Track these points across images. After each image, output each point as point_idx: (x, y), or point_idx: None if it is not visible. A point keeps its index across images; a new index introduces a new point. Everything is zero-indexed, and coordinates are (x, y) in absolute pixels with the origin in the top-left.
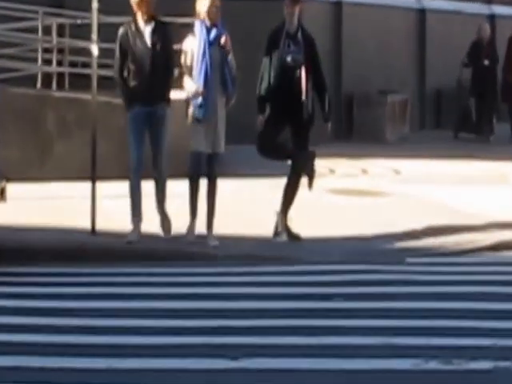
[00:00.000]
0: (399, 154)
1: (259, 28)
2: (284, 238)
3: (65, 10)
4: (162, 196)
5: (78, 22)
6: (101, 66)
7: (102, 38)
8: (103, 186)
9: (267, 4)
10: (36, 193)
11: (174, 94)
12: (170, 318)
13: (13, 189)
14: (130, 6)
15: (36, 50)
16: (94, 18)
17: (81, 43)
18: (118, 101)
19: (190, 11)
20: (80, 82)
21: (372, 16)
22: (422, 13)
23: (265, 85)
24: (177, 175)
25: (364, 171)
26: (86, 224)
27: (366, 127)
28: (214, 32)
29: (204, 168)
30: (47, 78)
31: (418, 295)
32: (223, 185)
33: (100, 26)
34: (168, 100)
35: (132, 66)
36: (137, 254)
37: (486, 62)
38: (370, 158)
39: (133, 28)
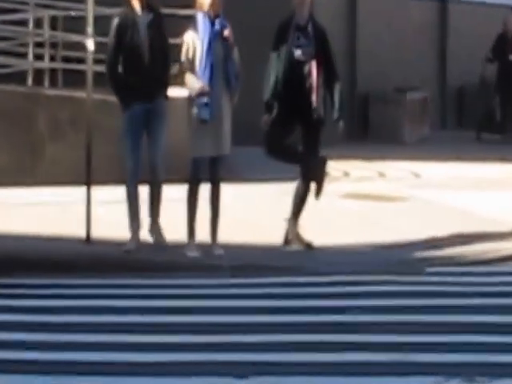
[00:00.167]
0: (418, 156)
1: (265, 20)
2: (295, 246)
3: (58, 1)
4: (157, 202)
5: (72, 14)
6: (97, 61)
7: (98, 31)
8: (99, 191)
9: None
10: (26, 199)
11: (173, 92)
12: (171, 333)
13: (1, 194)
14: None
15: (27, 45)
16: (90, 9)
17: (75, 37)
18: (115, 99)
19: (190, 2)
20: (74, 78)
21: (389, 7)
22: (443, 3)
23: (272, 81)
24: (176, 180)
25: (381, 174)
26: (80, 232)
27: (383, 127)
28: (217, 25)
29: (205, 172)
30: (39, 75)
31: (438, 308)
32: (228, 189)
33: (96, 18)
34: (166, 96)
35: (128, 60)
36: (135, 265)
37: None
38: (387, 161)
39: (129, 18)
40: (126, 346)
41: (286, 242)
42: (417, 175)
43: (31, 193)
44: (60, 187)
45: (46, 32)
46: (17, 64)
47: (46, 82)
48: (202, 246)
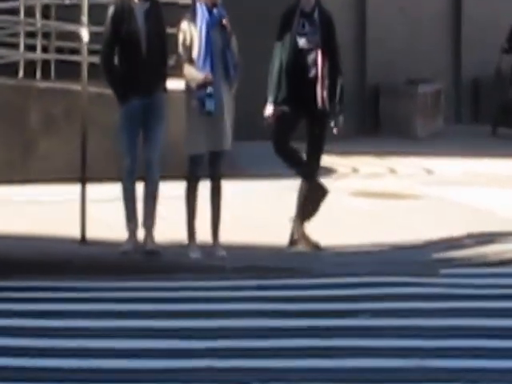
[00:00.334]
0: (431, 152)
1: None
2: (301, 247)
3: None
4: (152, 202)
5: (66, 1)
6: (92, 52)
7: (93, 20)
8: (94, 189)
9: None
10: (17, 197)
11: (171, 84)
12: (170, 338)
13: None
14: None
15: (17, 35)
16: None
17: (69, 26)
18: (112, 92)
19: None
20: (68, 70)
21: None
22: None
23: (276, 70)
24: (175, 176)
25: (391, 171)
26: (74, 232)
27: (394, 121)
28: (215, 14)
29: (205, 169)
30: (30, 67)
31: (454, 311)
32: (231, 186)
33: (90, 6)
34: (165, 89)
35: (124, 52)
36: (133, 266)
37: None
38: (399, 156)
39: (125, 6)
40: (122, 352)
41: (292, 242)
42: (429, 172)
43: (23, 191)
44: (53, 185)
45: (38, 21)
46: (7, 55)
47: (38, 74)
48: (204, 247)
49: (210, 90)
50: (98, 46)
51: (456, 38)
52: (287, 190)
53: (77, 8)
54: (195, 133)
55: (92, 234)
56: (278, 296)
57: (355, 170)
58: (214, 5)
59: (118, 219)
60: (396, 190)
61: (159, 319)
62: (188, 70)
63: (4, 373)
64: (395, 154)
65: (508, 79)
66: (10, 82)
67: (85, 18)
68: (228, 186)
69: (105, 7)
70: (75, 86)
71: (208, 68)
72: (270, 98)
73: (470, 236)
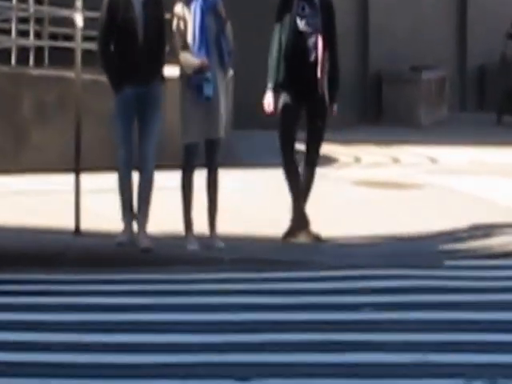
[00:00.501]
0: (435, 140)
1: None
2: (301, 238)
3: None
4: (146, 195)
5: None
6: (86, 38)
7: (88, 5)
8: (89, 179)
9: None
10: (10, 187)
11: (166, 71)
12: (167, 332)
13: None
14: None
15: (10, 20)
16: None
17: (63, 12)
18: (106, 79)
19: None
20: (62, 57)
21: None
22: None
23: (275, 53)
24: (170, 166)
25: (394, 160)
26: (69, 223)
27: (397, 109)
28: None
29: (201, 158)
30: (23, 53)
31: (458, 304)
32: (229, 176)
33: None
34: (163, 77)
35: (121, 38)
36: (129, 259)
37: None
38: (402, 145)
39: None
40: (118, 347)
41: (292, 233)
42: (433, 160)
43: (15, 181)
44: (47, 175)
45: (31, 6)
46: None
47: (31, 61)
48: (202, 239)
49: (208, 75)
50: (92, 32)
51: (461, 24)
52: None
53: None
54: (190, 121)
55: (87, 225)
56: (277, 289)
57: (357, 160)
58: None
59: (113, 210)
60: (399, 180)
61: (155, 312)
62: (183, 55)
63: (3, 367)
64: (398, 142)
65: None
66: (2, 69)
67: (79, 3)
68: (227, 176)
69: None
70: (69, 73)
71: (203, 54)
72: (270, 84)
73: (474, 227)
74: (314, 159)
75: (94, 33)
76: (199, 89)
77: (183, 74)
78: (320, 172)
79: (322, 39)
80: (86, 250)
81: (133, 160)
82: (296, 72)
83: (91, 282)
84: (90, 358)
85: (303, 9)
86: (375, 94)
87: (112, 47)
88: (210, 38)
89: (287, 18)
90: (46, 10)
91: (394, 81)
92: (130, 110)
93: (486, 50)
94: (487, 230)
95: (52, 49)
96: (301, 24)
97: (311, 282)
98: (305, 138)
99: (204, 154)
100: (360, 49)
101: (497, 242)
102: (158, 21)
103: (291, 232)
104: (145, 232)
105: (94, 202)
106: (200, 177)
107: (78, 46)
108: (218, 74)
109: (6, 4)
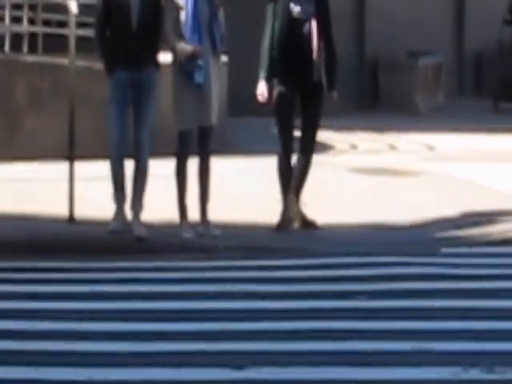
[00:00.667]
0: (433, 127)
1: None
2: (296, 225)
3: None
4: (141, 183)
5: None
6: (80, 24)
7: None
8: (83, 167)
9: None
10: (3, 175)
11: (161, 58)
12: (162, 321)
13: None
14: None
15: (3, 7)
16: None
17: None
18: (101, 66)
19: None
20: (56, 43)
21: None
22: None
23: (267, 42)
24: (164, 153)
25: (391, 147)
26: (62, 211)
27: (394, 95)
28: None
29: (194, 145)
30: (16, 40)
31: (455, 292)
32: (225, 164)
33: None
34: (157, 63)
35: (116, 23)
36: (123, 246)
37: None
38: (399, 132)
39: None
40: (113, 335)
41: (287, 220)
42: (430, 148)
43: (8, 169)
44: (40, 162)
45: None
46: None
47: (25, 48)
48: (197, 227)
49: (200, 62)
50: (86, 19)
51: (459, 9)
52: None
53: None
54: (183, 107)
55: (81, 212)
56: (272, 277)
57: (354, 147)
58: None
59: (107, 198)
60: (396, 167)
61: (149, 301)
62: (176, 42)
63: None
64: (395, 129)
65: (509, 52)
66: None
67: None
68: (223, 164)
69: None
70: (63, 60)
71: (196, 40)
72: (263, 74)
73: (471, 214)
74: (310, 147)
75: (88, 19)
76: (190, 75)
77: (175, 60)
78: (316, 159)
79: (316, 26)
80: (80, 237)
81: (126, 146)
82: (290, 60)
83: (85, 270)
84: (85, 347)
85: None
86: (372, 81)
87: (108, 32)
88: (203, 24)
89: (280, 5)
90: None
91: (391, 67)
92: (124, 95)
93: (484, 36)
94: (485, 217)
95: (46, 35)
96: (295, 10)
97: (307, 269)
98: (300, 125)
99: (197, 142)
100: (356, 35)
101: (495, 229)
102: (154, 7)
103: (283, 224)
104: (139, 220)
105: (88, 190)
106: (194, 164)
107: (72, 32)
108: (211, 60)
109: None
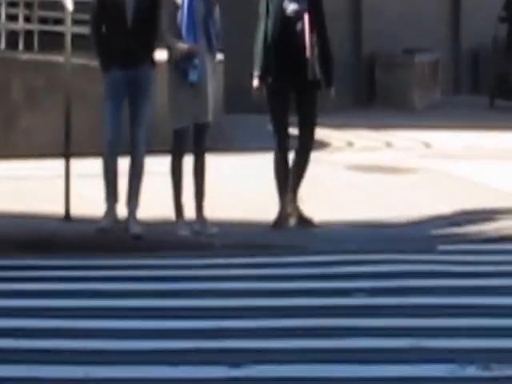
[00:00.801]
0: (429, 124)
1: None
2: (293, 222)
3: None
4: (137, 181)
5: None
6: (76, 22)
7: None
8: (79, 164)
9: None
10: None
11: (157, 56)
12: (158, 318)
13: None
14: None
15: None
16: None
17: None
18: (97, 63)
19: None
20: (51, 41)
21: None
22: None
23: (261, 40)
24: (160, 151)
25: (387, 144)
26: (58, 209)
27: (390, 92)
28: None
29: (190, 143)
30: (12, 37)
31: (451, 289)
32: (221, 161)
33: None
34: (153, 61)
35: (111, 19)
36: (119, 244)
37: None
38: (395, 129)
39: None
40: (109, 333)
41: (284, 218)
42: (427, 145)
43: (4, 166)
44: (36, 160)
45: None
46: None
47: (21, 46)
48: (194, 224)
49: (196, 61)
50: (82, 16)
51: (455, 7)
52: None
53: None
54: (179, 106)
55: (77, 210)
56: (269, 274)
57: (350, 144)
58: None
59: (103, 195)
60: (393, 164)
61: (146, 298)
62: (171, 40)
63: None
64: (391, 126)
65: (504, 49)
66: None
67: None
68: (219, 161)
69: None
70: (58, 58)
71: (191, 38)
72: (257, 72)
73: (468, 211)
74: (308, 145)
75: (84, 16)
76: (185, 73)
77: (171, 59)
78: (312, 156)
79: (310, 23)
80: (76, 235)
81: (119, 144)
82: (284, 57)
83: (81, 268)
84: (81, 344)
85: None
86: (368, 78)
87: (103, 29)
88: (198, 22)
89: (274, 3)
90: None
91: (388, 64)
92: (119, 93)
93: (480, 33)
94: (481, 214)
95: (41, 33)
96: (289, 8)
97: (303, 267)
98: (297, 124)
99: (192, 139)
100: (353, 31)
101: (491, 226)
102: (151, 5)
103: (279, 222)
104: (135, 218)
105: (84, 187)
106: (190, 162)
107: (68, 29)
108: (206, 58)
109: None
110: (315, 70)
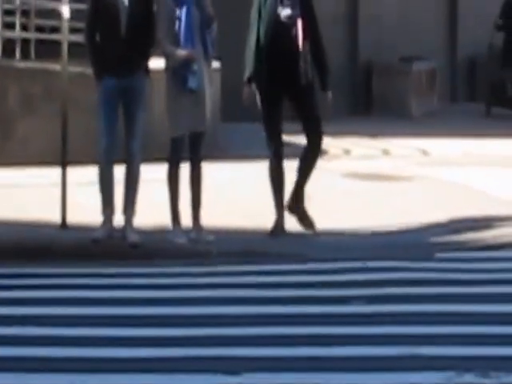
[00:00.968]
0: (426, 132)
1: None
2: (295, 218)
3: None
4: (133, 190)
5: None
6: (73, 30)
7: None
8: (75, 172)
9: None
10: None
11: (152, 63)
12: (155, 326)
13: None
14: None
15: None
16: None
17: (49, 3)
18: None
19: None
20: (48, 49)
21: None
22: None
23: (253, 46)
24: (157, 158)
25: (385, 152)
26: (55, 217)
27: (387, 100)
28: None
29: (186, 151)
30: (9, 46)
31: (449, 297)
32: (217, 169)
33: None
34: (147, 70)
35: (105, 28)
36: (115, 252)
37: None
38: (392, 137)
39: None
40: (105, 341)
41: (281, 225)
42: (424, 152)
43: (0, 174)
44: (33, 168)
45: None
46: None
47: (17, 54)
48: (190, 232)
49: (195, 66)
50: (79, 24)
51: (452, 15)
52: None
53: None
54: (177, 114)
55: (73, 218)
56: (267, 282)
57: (347, 152)
58: None
59: (99, 203)
60: (390, 172)
61: (142, 306)
62: (169, 47)
63: None
64: (389, 134)
65: (500, 57)
66: None
67: None
68: (215, 169)
69: None
70: (55, 66)
71: (189, 45)
72: (247, 74)
73: (465, 219)
74: (317, 141)
75: (80, 25)
76: (184, 80)
77: (169, 66)
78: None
79: (302, 29)
80: (73, 243)
81: (115, 152)
82: (276, 62)
83: (77, 276)
84: (76, 352)
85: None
86: (365, 85)
87: (98, 37)
88: (195, 29)
89: (266, 7)
90: (33, 1)
91: (385, 72)
92: (113, 101)
93: (477, 41)
94: (479, 221)
95: (38, 41)
96: (283, 14)
97: (301, 274)
98: (302, 127)
99: (188, 147)
100: (350, 39)
101: (489, 233)
102: (146, 13)
103: (276, 229)
104: (132, 227)
105: (81, 196)
106: (186, 170)
107: (65, 37)
108: (203, 63)
109: None
110: (308, 75)
